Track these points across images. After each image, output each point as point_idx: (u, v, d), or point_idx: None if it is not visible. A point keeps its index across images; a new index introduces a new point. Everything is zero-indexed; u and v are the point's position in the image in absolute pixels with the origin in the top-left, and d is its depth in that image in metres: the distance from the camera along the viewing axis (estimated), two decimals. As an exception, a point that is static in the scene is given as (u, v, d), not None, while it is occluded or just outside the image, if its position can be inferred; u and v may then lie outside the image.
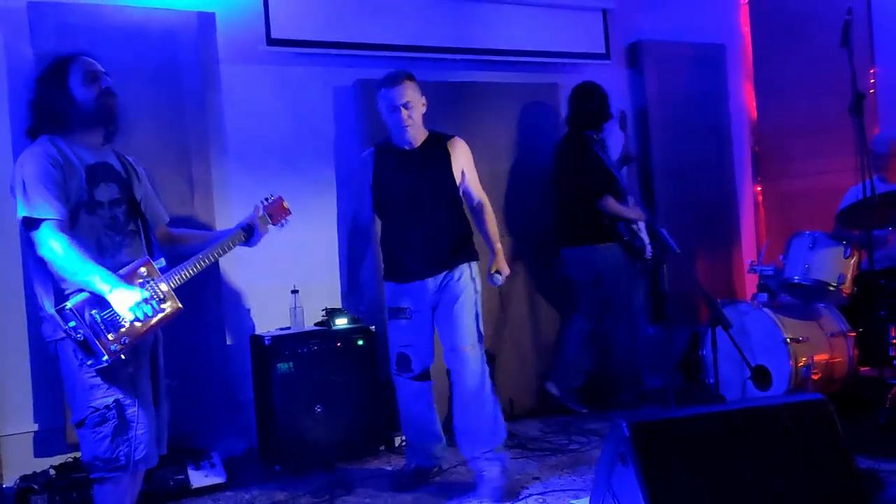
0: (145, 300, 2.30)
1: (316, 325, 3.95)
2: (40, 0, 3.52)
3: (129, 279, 2.32)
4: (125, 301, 2.26)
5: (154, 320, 2.34)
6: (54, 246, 2.26)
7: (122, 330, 2.27)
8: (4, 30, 3.54)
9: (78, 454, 3.37)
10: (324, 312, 3.96)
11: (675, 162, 5.17)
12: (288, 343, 3.64)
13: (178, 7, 3.84)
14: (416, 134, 3.28)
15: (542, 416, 4.31)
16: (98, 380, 2.30)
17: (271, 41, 3.95)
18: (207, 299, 3.79)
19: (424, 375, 3.35)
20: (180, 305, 2.41)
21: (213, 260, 2.55)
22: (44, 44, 3.50)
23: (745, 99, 5.64)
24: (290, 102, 4.15)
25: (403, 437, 3.81)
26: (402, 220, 3.27)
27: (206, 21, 3.87)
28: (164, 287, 2.39)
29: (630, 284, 4.34)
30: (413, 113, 3.23)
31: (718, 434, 1.80)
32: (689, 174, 5.19)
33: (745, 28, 5.64)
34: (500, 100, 4.55)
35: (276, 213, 2.86)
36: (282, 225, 2.87)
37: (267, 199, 2.87)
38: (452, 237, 3.26)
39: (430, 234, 3.23)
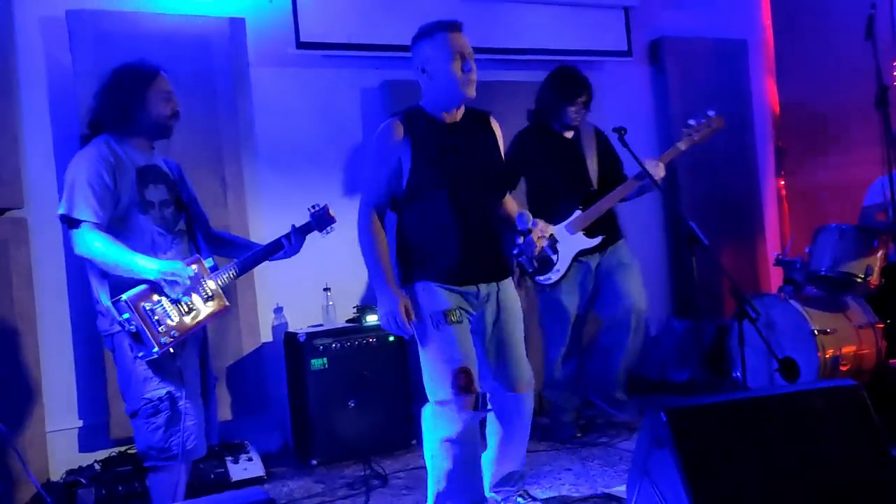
0: (193, 277, 2.39)
1: (347, 321, 4.03)
2: (79, 9, 3.62)
3: None
4: (173, 278, 2.35)
5: (202, 316, 2.43)
6: (93, 243, 2.36)
7: (172, 323, 2.36)
8: (45, 38, 3.65)
9: (122, 448, 3.49)
10: (355, 309, 4.04)
11: (699, 157, 5.16)
12: (321, 339, 3.72)
13: (211, 14, 3.93)
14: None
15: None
16: (150, 372, 2.40)
17: (300, 44, 4.04)
18: (241, 297, 3.88)
19: (484, 402, 2.63)
20: (228, 303, 2.50)
21: (251, 267, 2.68)
22: (83, 51, 3.61)
23: (768, 93, 5.66)
24: (319, 104, 4.24)
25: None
26: (448, 208, 2.54)
27: (237, 26, 3.97)
28: (212, 285, 2.48)
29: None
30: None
31: (753, 419, 1.85)
32: (712, 169, 5.22)
33: (767, 22, 5.65)
34: (524, 98, 4.60)
35: (323, 220, 2.93)
36: (327, 231, 2.94)
37: (314, 207, 2.94)
38: (501, 237, 2.67)
39: (483, 229, 2.61)
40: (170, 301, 2.38)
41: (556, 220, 3.60)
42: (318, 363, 3.69)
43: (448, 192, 2.55)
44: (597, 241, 3.71)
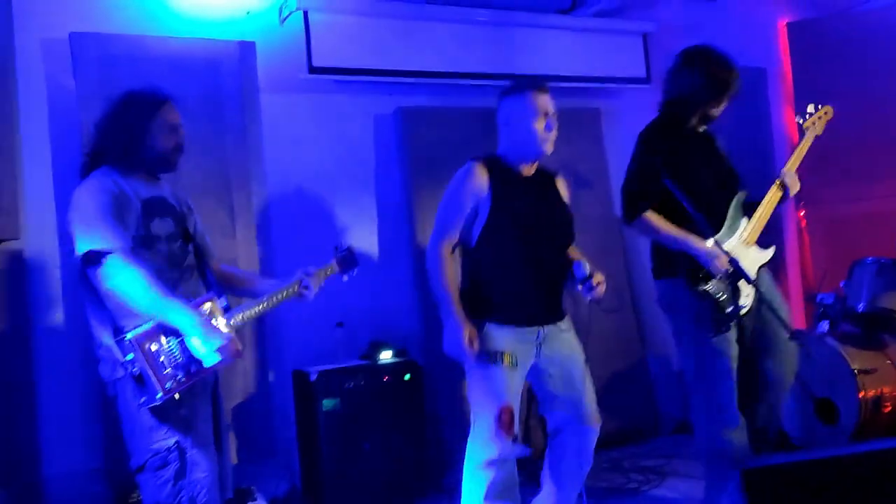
0: (228, 342, 2.19)
1: (360, 358, 3.83)
2: (83, 31, 3.47)
3: None
4: (207, 342, 2.15)
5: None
6: (127, 276, 2.15)
7: (182, 367, 2.16)
8: (47, 61, 3.49)
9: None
10: (368, 346, 3.85)
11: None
12: (334, 378, 3.52)
13: (220, 37, 3.78)
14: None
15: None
16: (156, 421, 2.19)
17: (313, 69, 3.88)
18: (247, 333, 3.68)
19: (519, 442, 2.75)
20: (240, 348, 2.30)
21: (270, 308, 2.47)
22: (86, 75, 3.44)
23: (787, 123, 5.52)
24: (330, 131, 4.08)
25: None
26: (526, 252, 2.71)
27: (247, 50, 3.81)
28: (224, 327, 2.28)
29: None
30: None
31: (844, 481, 1.65)
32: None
33: (785, 52, 5.53)
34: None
35: (347, 262, 2.76)
36: (350, 276, 2.76)
37: (337, 248, 2.77)
38: (564, 282, 2.82)
39: (549, 277, 2.76)
40: (178, 343, 2.18)
41: (715, 231, 2.88)
42: (329, 403, 3.48)
43: (521, 241, 2.71)
44: (771, 251, 3.08)
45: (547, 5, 4.60)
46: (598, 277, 2.68)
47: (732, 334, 2.82)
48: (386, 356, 3.73)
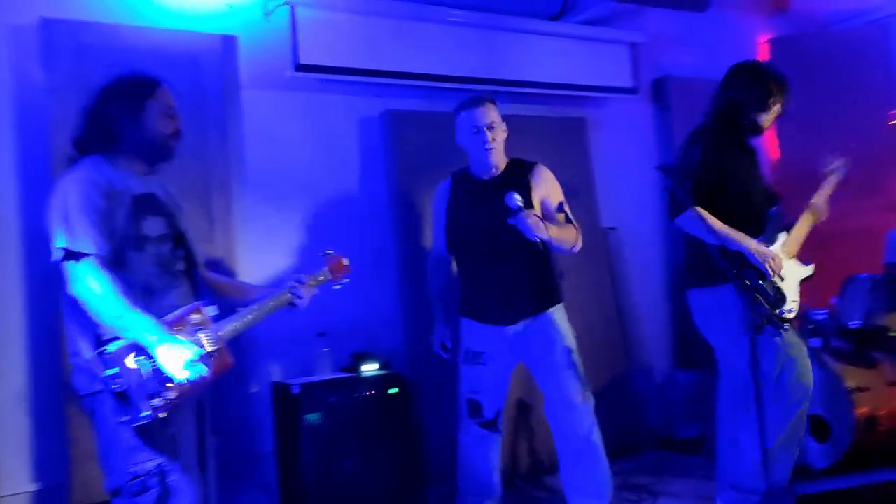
0: (199, 358, 2.01)
1: (341, 370, 3.66)
2: (54, 18, 3.24)
3: (177, 327, 2.03)
4: (174, 358, 1.97)
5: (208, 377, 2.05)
6: (93, 284, 1.98)
7: (168, 384, 1.98)
8: (13, 49, 3.25)
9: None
10: (350, 357, 3.68)
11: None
12: (317, 392, 3.34)
13: (201, 30, 3.59)
14: (499, 159, 3.10)
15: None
16: (137, 441, 2.01)
17: (300, 66, 3.71)
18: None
19: (494, 423, 3.14)
20: (231, 360, 2.13)
21: (261, 317, 2.29)
22: (58, 65, 3.23)
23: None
24: (314, 132, 3.90)
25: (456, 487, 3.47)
26: (479, 256, 3.03)
27: (229, 45, 3.63)
28: (213, 339, 2.11)
29: None
30: (497, 136, 3.05)
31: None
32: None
33: (765, 66, 5.53)
34: (529, 133, 4.34)
35: (336, 270, 2.60)
36: (341, 284, 2.60)
37: (326, 255, 2.61)
38: (534, 279, 3.02)
39: (508, 275, 2.99)
40: None
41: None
42: (312, 418, 3.30)
43: (471, 248, 3.05)
44: (812, 268, 3.13)
45: (536, 11, 4.51)
46: (530, 212, 2.81)
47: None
48: (370, 368, 3.57)
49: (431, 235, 3.31)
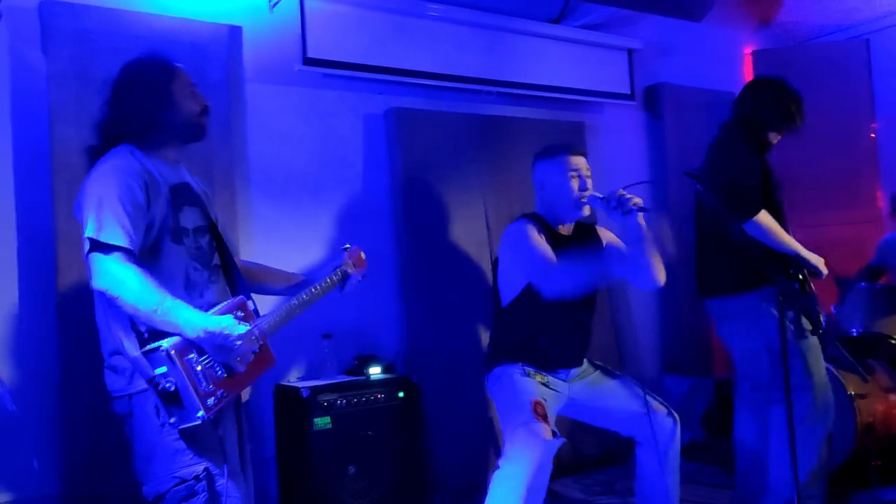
0: (249, 339, 1.92)
1: (345, 373, 3.57)
2: (54, 0, 3.09)
3: None
4: (227, 348, 1.87)
5: (253, 372, 1.95)
6: (120, 275, 1.86)
7: (221, 382, 1.88)
8: (11, 32, 3.08)
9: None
10: (355, 360, 3.59)
11: (689, 210, 5.05)
12: (326, 395, 3.24)
13: (207, 18, 3.47)
14: None
15: (575, 474, 4.02)
16: (182, 444, 1.89)
17: (307, 60, 3.61)
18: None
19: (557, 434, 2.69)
20: (274, 359, 2.03)
21: (306, 307, 2.20)
22: (58, 50, 3.07)
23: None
24: (318, 128, 3.80)
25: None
26: (557, 315, 2.76)
27: (235, 35, 3.52)
28: (257, 336, 2.01)
29: None
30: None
31: None
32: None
33: (749, 79, 5.63)
34: (528, 136, 4.33)
35: (357, 264, 2.52)
36: (360, 279, 2.52)
37: (347, 248, 2.53)
38: (592, 329, 2.97)
39: (581, 326, 2.88)
40: None
41: None
42: (321, 422, 3.20)
43: (558, 305, 2.69)
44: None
45: (537, 13, 4.49)
46: (620, 192, 2.61)
47: None
48: (376, 371, 3.48)
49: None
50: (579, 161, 2.85)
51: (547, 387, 2.72)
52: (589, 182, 2.83)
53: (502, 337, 2.90)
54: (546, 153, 2.90)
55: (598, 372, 2.94)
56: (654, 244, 2.68)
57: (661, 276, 2.74)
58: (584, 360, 2.93)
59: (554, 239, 2.79)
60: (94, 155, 2.06)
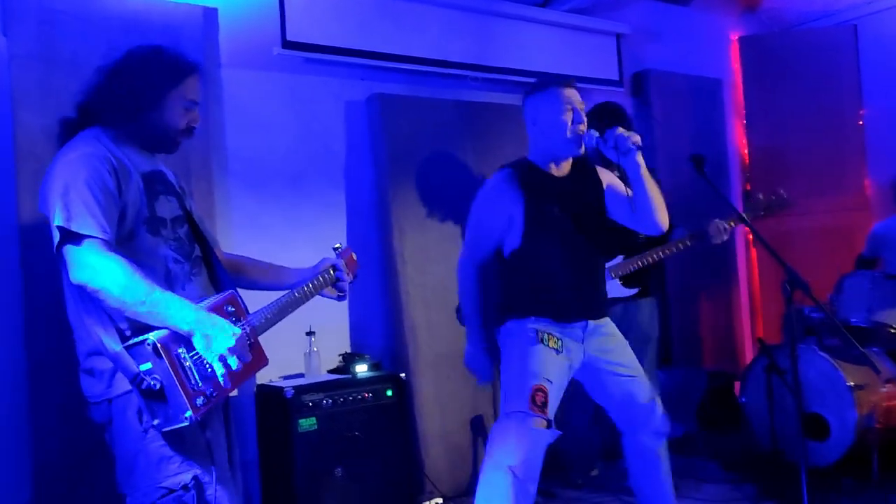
0: (244, 339, 1.77)
1: (329, 372, 3.42)
2: (18, -22, 2.89)
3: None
4: (219, 343, 1.72)
5: (244, 371, 1.81)
6: (101, 265, 1.69)
7: (211, 380, 1.72)
8: (-30, 12, 2.89)
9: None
10: (340, 358, 3.45)
11: (678, 197, 4.96)
12: (311, 395, 3.09)
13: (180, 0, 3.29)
14: None
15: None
16: (169, 450, 1.74)
17: (287, 43, 3.45)
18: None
19: (553, 426, 2.56)
20: (266, 358, 1.89)
21: (298, 305, 2.05)
22: (21, 32, 2.88)
23: (737, 134, 5.54)
24: (299, 115, 3.65)
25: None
26: (559, 256, 2.63)
27: (210, 17, 3.34)
28: (249, 333, 1.86)
29: None
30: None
31: None
32: (689, 211, 4.97)
33: (736, 65, 5.55)
34: (514, 122, 4.18)
35: (348, 265, 2.37)
36: (352, 280, 2.37)
37: (338, 248, 2.38)
38: (604, 279, 2.79)
39: (590, 273, 2.70)
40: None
41: None
42: (306, 423, 3.06)
43: (560, 247, 2.62)
44: None
45: (523, -4, 4.36)
46: (620, 130, 2.49)
47: None
48: (362, 369, 3.34)
49: (472, 240, 2.75)
50: (573, 94, 2.63)
51: (558, 353, 2.54)
52: (582, 113, 2.62)
53: (510, 287, 2.70)
54: (537, 87, 2.69)
55: (621, 346, 2.72)
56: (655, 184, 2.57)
57: (663, 219, 2.63)
58: (607, 318, 2.72)
59: (546, 184, 2.63)
60: (64, 129, 1.89)
